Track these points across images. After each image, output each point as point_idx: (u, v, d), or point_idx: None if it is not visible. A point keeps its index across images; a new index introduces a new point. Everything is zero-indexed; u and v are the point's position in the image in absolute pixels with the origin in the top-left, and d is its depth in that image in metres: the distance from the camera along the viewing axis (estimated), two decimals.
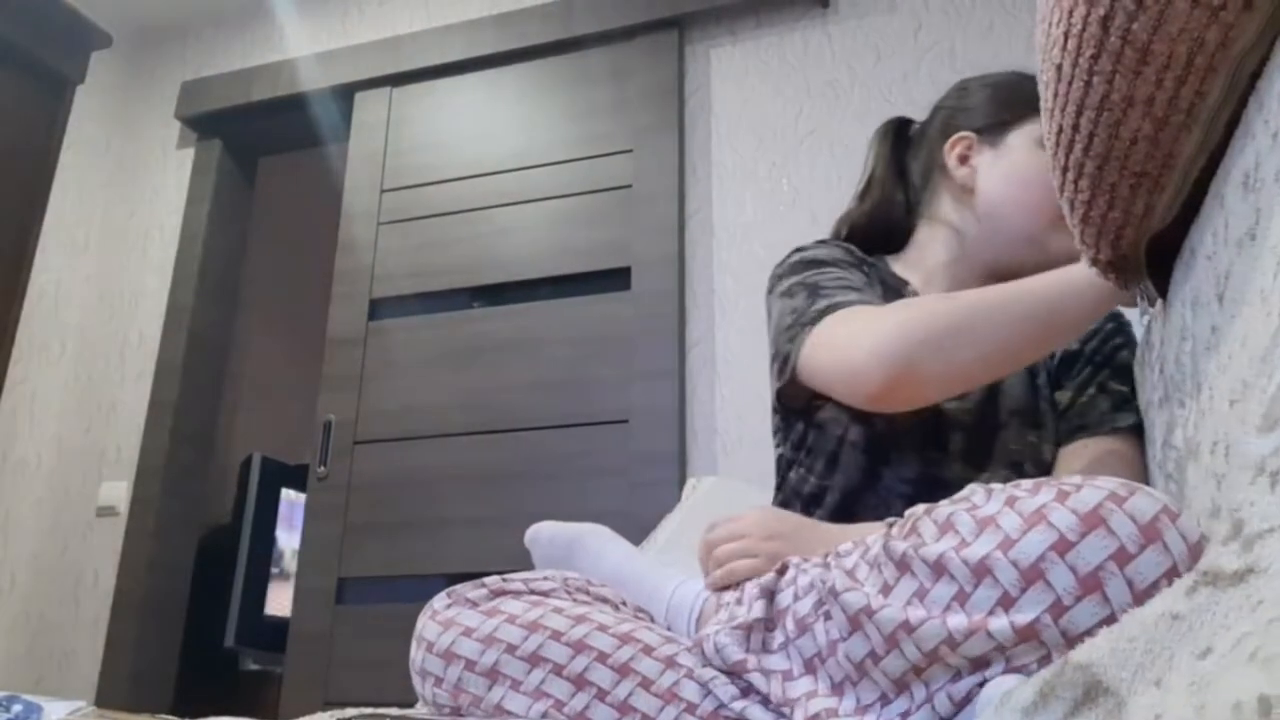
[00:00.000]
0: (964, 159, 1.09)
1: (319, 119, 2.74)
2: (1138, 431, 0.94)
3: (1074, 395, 1.01)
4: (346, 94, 2.70)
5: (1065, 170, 0.79)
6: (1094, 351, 1.03)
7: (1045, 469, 0.99)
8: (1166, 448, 0.80)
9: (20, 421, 2.62)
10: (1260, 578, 0.31)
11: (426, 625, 0.86)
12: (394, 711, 0.84)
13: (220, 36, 2.97)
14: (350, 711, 0.89)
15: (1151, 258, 0.84)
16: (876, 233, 1.15)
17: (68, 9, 2.33)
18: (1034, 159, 1.05)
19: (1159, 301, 0.89)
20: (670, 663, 0.77)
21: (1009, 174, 1.06)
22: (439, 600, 0.88)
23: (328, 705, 2.12)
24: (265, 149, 2.99)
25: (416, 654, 0.86)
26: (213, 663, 2.92)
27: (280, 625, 2.51)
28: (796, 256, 1.09)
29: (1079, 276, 0.84)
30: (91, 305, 2.81)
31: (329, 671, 2.20)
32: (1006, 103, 1.10)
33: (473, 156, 2.51)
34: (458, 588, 0.88)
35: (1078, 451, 0.97)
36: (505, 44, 2.54)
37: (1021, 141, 1.07)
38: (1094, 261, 0.88)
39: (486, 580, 0.88)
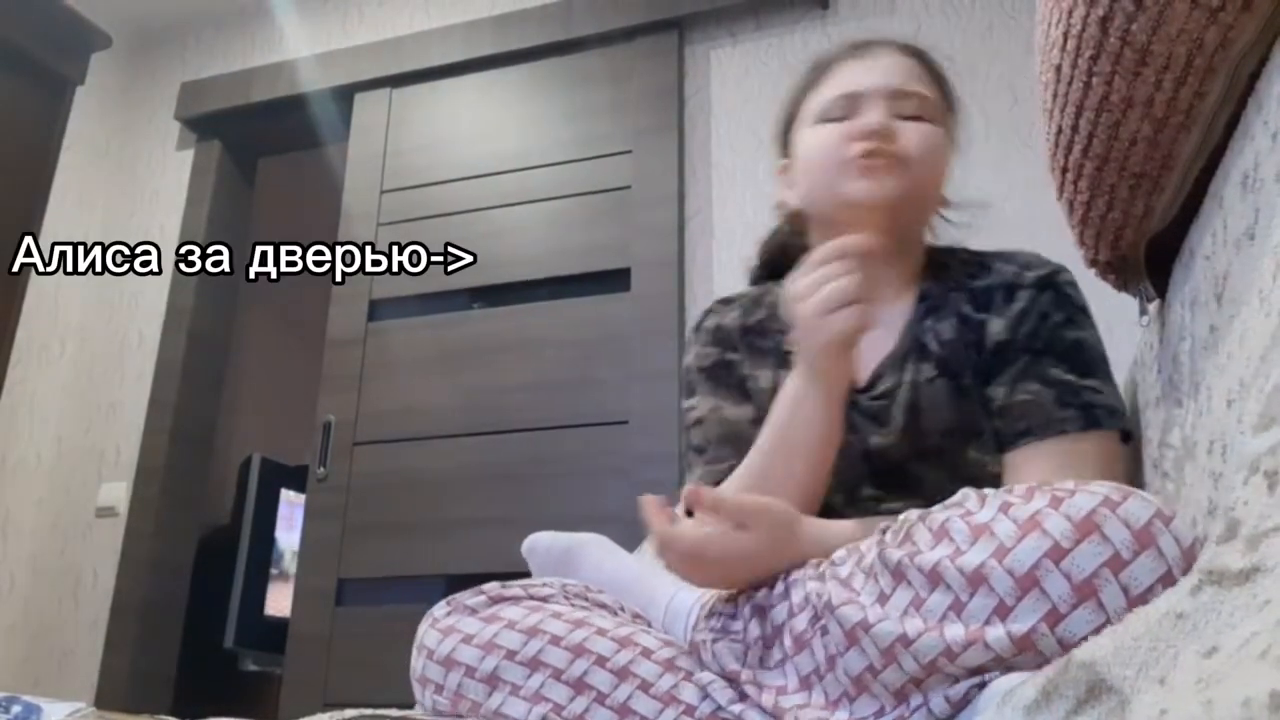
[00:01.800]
0: (789, 185, 1.03)
1: (318, 120, 2.74)
2: (1094, 424, 0.84)
3: (1008, 392, 0.88)
4: (346, 95, 2.70)
5: (1065, 171, 0.80)
6: (1030, 335, 0.89)
7: (995, 483, 0.86)
8: (1163, 446, 0.80)
9: (20, 422, 2.62)
10: (1267, 577, 0.31)
11: (427, 633, 0.86)
12: (394, 713, 0.84)
13: (220, 37, 2.97)
14: (350, 712, 0.89)
15: (1150, 258, 0.84)
16: (790, 256, 1.09)
17: (67, 10, 2.33)
18: (808, 139, 0.97)
19: (1157, 301, 0.89)
20: (669, 666, 0.77)
21: (802, 172, 0.98)
22: (439, 608, 0.88)
23: (327, 706, 2.11)
24: (265, 150, 2.99)
25: (417, 661, 0.86)
26: (212, 663, 2.92)
27: (280, 626, 2.51)
28: (687, 356, 1.05)
29: (787, 405, 0.85)
30: (91, 305, 2.81)
31: (329, 672, 2.19)
32: (784, 108, 1.04)
33: (472, 157, 2.51)
34: (458, 596, 0.88)
35: (1025, 460, 0.85)
36: (505, 45, 2.54)
37: (800, 136, 0.99)
38: (1093, 262, 0.88)
39: (486, 588, 0.88)
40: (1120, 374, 1.12)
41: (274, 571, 3.16)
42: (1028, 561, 0.56)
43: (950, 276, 0.96)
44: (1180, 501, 0.73)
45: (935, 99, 0.96)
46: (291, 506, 3.21)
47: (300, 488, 2.82)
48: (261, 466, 3.15)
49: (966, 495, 0.65)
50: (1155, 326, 0.92)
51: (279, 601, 3.03)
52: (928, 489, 0.87)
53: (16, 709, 0.94)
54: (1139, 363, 1.01)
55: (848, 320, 0.80)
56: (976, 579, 0.58)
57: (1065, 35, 0.69)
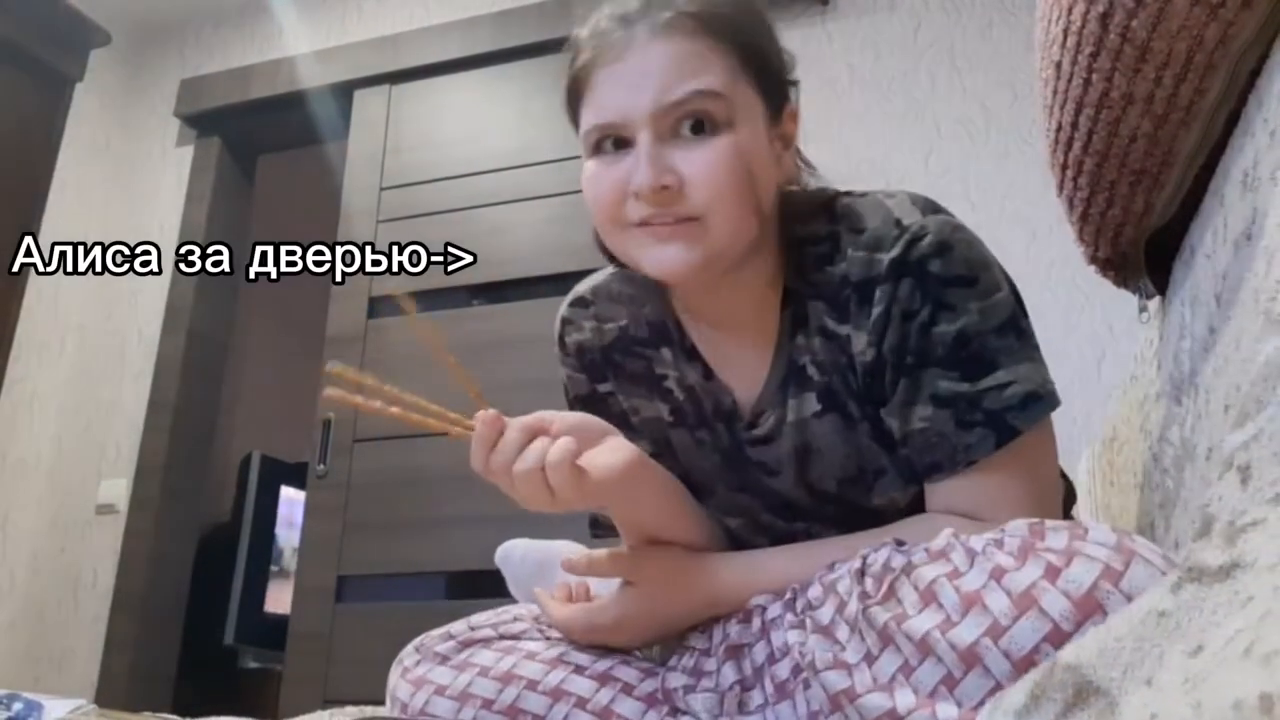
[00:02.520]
0: None
1: (318, 117, 2.73)
2: (1008, 435, 0.70)
3: (901, 422, 0.73)
4: (345, 92, 2.70)
5: (1064, 168, 0.79)
6: (897, 348, 0.73)
7: (911, 513, 0.78)
8: (1163, 442, 0.80)
9: (20, 420, 2.62)
10: (1247, 573, 0.31)
11: (398, 685, 0.83)
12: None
13: (219, 34, 2.97)
14: (350, 709, 0.89)
15: (1149, 254, 0.84)
16: None
17: (67, 7, 2.32)
18: (587, 177, 0.76)
19: (1158, 297, 0.89)
20: (652, 701, 0.75)
21: (593, 214, 0.78)
22: (408, 655, 0.84)
23: (327, 703, 2.11)
24: (264, 147, 2.99)
25: (392, 713, 0.83)
26: (212, 661, 2.92)
27: (280, 623, 2.51)
28: (561, 370, 0.91)
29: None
30: (91, 304, 2.81)
31: (328, 669, 2.20)
32: (566, 107, 0.80)
33: (472, 154, 2.51)
34: (426, 640, 0.85)
35: (946, 493, 0.73)
36: (504, 42, 2.53)
37: (584, 164, 0.78)
38: (1093, 259, 0.88)
39: (454, 629, 0.85)
40: (1121, 371, 1.11)
41: (274, 569, 3.16)
42: (1026, 645, 0.53)
43: (807, 265, 0.78)
44: (1179, 503, 0.72)
45: (721, 80, 0.72)
46: (291, 504, 3.21)
47: (300, 485, 2.82)
48: (261, 464, 3.15)
49: (951, 545, 0.61)
50: (1156, 323, 0.91)
51: (279, 599, 3.03)
52: (840, 521, 0.78)
53: (18, 706, 0.94)
54: (1140, 358, 1.00)
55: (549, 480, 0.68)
56: (970, 657, 0.55)
57: (1065, 32, 0.69)
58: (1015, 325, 0.72)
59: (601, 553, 0.79)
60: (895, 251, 0.72)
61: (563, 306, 0.91)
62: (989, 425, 0.70)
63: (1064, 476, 0.85)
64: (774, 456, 0.80)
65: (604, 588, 0.82)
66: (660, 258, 0.72)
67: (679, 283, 0.76)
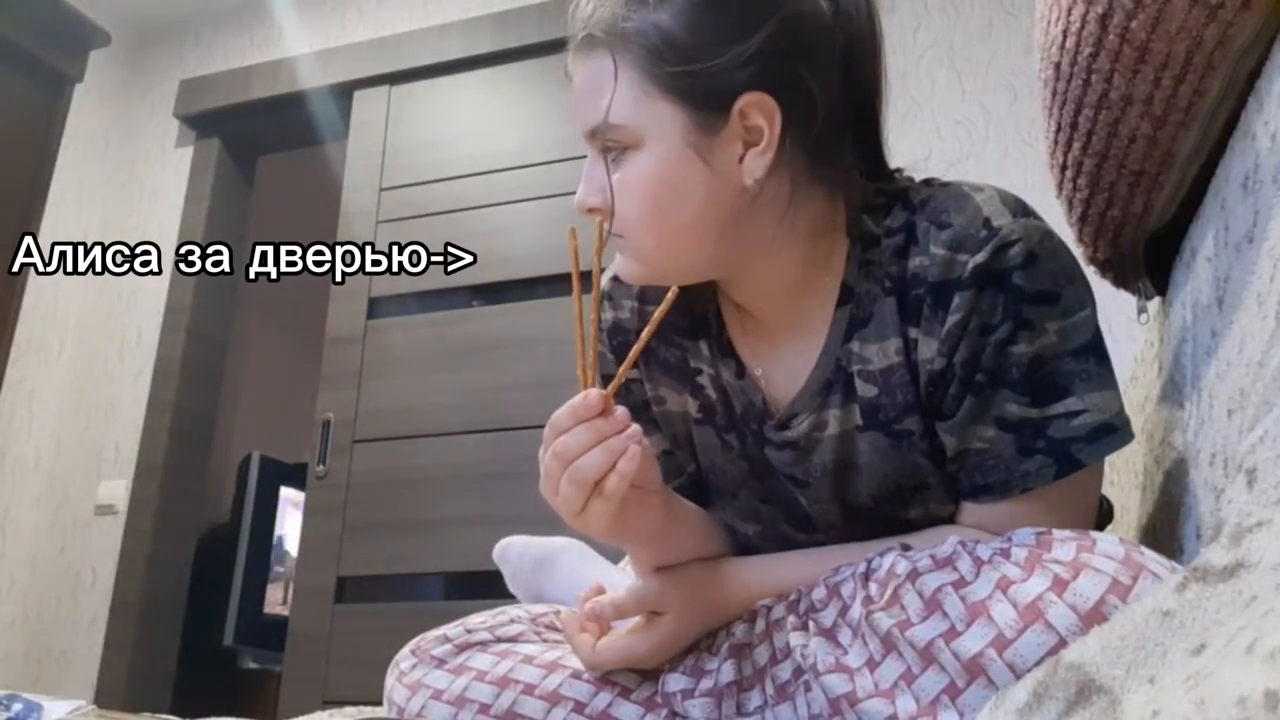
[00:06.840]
0: None
1: (318, 117, 2.73)
2: (1070, 466, 0.66)
3: (959, 440, 0.69)
4: (345, 92, 2.70)
5: (1064, 168, 0.80)
6: (969, 362, 0.67)
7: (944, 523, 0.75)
8: (1165, 445, 0.80)
9: (19, 420, 2.62)
10: (1251, 572, 0.31)
11: (394, 688, 0.83)
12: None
13: (219, 35, 2.97)
14: (349, 710, 0.89)
15: (1148, 255, 0.84)
16: None
17: (67, 7, 2.32)
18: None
19: (1157, 299, 0.89)
20: (650, 704, 0.75)
21: None
22: (404, 658, 0.84)
23: (327, 704, 2.11)
24: (264, 147, 2.99)
25: (389, 715, 0.83)
26: (211, 662, 2.92)
27: (279, 624, 2.51)
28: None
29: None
30: (90, 303, 2.81)
31: (328, 670, 2.20)
32: None
33: (471, 155, 2.51)
34: (422, 642, 0.84)
35: (988, 514, 0.69)
36: (503, 43, 2.54)
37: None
38: (1092, 259, 0.88)
39: (450, 632, 0.84)
40: (1121, 372, 1.11)
41: (273, 569, 3.16)
42: (1030, 658, 0.53)
43: (879, 257, 0.72)
44: (1183, 508, 0.72)
45: (616, 106, 0.68)
46: (291, 504, 3.21)
47: (300, 485, 2.82)
48: (261, 464, 3.15)
49: (957, 553, 0.61)
50: (1156, 324, 0.92)
51: (278, 599, 3.03)
52: (863, 536, 0.74)
53: (17, 707, 0.94)
54: (1140, 360, 1.01)
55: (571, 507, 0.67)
56: (974, 668, 0.55)
57: (1065, 32, 0.69)
58: (1094, 348, 0.67)
59: (628, 594, 0.76)
60: (982, 257, 0.66)
61: (604, 279, 0.85)
62: (1051, 454, 0.66)
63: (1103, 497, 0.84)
64: (805, 468, 0.76)
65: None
66: (618, 266, 0.76)
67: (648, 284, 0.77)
